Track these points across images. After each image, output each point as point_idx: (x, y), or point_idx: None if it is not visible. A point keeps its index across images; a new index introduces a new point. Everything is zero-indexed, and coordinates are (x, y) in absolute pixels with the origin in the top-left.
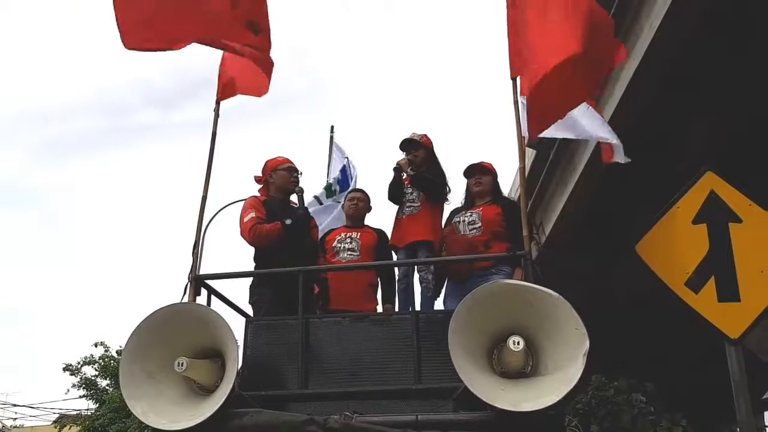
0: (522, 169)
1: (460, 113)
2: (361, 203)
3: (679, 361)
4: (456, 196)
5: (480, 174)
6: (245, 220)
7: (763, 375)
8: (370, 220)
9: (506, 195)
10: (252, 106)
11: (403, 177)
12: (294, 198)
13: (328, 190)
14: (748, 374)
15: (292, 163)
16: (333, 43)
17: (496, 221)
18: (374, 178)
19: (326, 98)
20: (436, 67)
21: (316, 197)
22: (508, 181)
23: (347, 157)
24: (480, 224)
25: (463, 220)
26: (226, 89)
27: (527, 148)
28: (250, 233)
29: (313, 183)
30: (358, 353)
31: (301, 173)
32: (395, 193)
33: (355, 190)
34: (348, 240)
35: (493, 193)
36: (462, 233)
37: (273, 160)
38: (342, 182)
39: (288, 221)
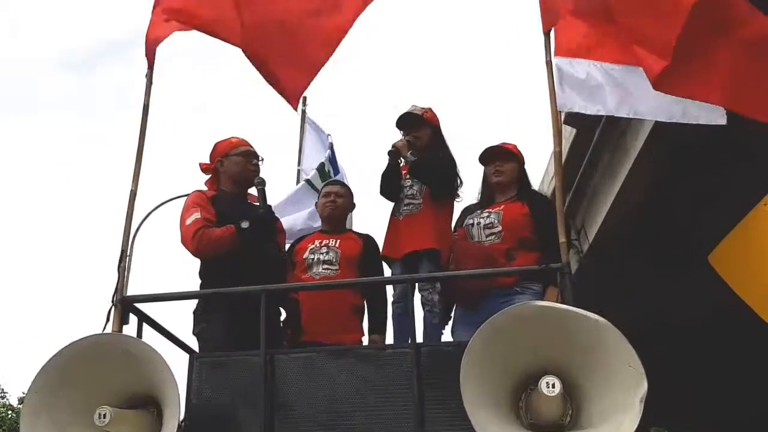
0: (558, 154)
1: (474, 82)
2: (341, 200)
3: (761, 404)
4: (469, 191)
5: (501, 160)
6: (187, 222)
7: None
8: (353, 222)
9: (536, 189)
10: (203, 70)
11: (401, 164)
12: (254, 192)
13: (322, 171)
14: None
15: (250, 145)
16: None
17: (521, 223)
18: (360, 167)
19: None
20: (441, 22)
21: (308, 181)
22: (538, 172)
23: (329, 135)
24: (500, 228)
25: (478, 223)
26: (162, 27)
27: (564, 127)
28: (194, 240)
29: (282, 171)
30: (338, 398)
31: (263, 159)
32: (390, 185)
33: (332, 182)
34: (324, 250)
35: (518, 185)
36: (476, 240)
37: (225, 141)
38: (333, 163)
39: (245, 224)
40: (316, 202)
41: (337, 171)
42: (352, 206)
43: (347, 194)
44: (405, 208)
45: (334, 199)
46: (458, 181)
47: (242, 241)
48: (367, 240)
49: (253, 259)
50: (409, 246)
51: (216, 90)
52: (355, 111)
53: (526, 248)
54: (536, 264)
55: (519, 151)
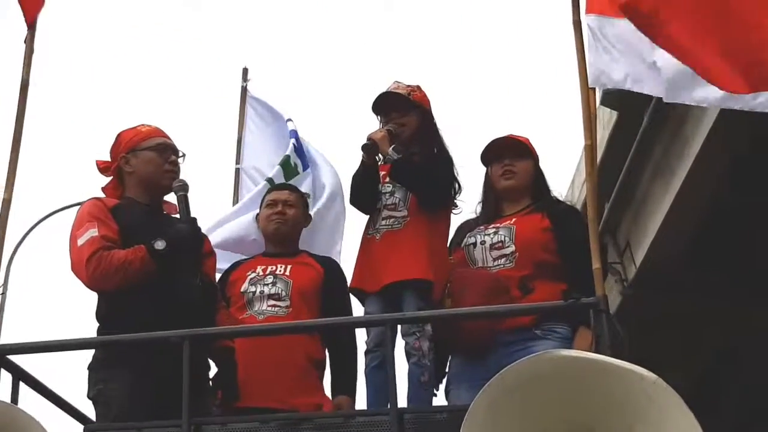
0: (590, 148)
1: (474, 50)
2: (291, 210)
3: None
4: (469, 199)
5: (511, 156)
6: (80, 242)
7: None
8: (341, 247)
9: (559, 196)
10: (101, 31)
11: (379, 163)
12: (171, 200)
13: (287, 167)
14: None
15: (166, 136)
16: None
17: (541, 242)
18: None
19: (235, 28)
20: None
21: (270, 181)
22: (564, 174)
23: (290, 119)
24: (513, 248)
25: (482, 242)
26: None
27: (600, 110)
28: (89, 266)
29: (214, 169)
30: None
31: (184, 155)
32: (363, 192)
33: (279, 187)
34: (269, 279)
35: (534, 190)
36: (480, 264)
37: (131, 131)
38: (300, 154)
39: (160, 243)
40: (257, 215)
41: (306, 165)
42: (308, 219)
43: (300, 202)
44: (384, 223)
45: (282, 209)
46: (456, 185)
47: (156, 268)
48: (329, 266)
49: (172, 292)
50: (389, 275)
51: (126, 43)
52: (326, 90)
53: (547, 276)
54: (561, 298)
55: (532, 145)
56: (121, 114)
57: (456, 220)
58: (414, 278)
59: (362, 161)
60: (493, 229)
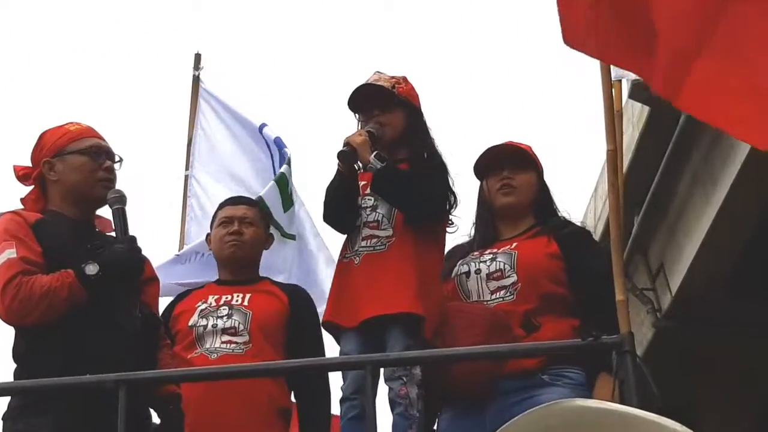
0: (613, 154)
1: (475, 49)
2: (250, 229)
3: None
4: (467, 215)
5: (511, 167)
6: None
7: None
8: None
9: (566, 215)
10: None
11: (358, 172)
12: (106, 214)
13: (282, 184)
14: None
15: (99, 137)
16: None
17: (547, 271)
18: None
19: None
20: None
21: (260, 200)
22: (582, 189)
23: (266, 125)
24: (515, 277)
25: (478, 270)
26: None
27: (629, 106)
28: (5, 295)
29: (160, 175)
30: None
31: (121, 160)
32: (338, 207)
33: (234, 200)
34: (224, 311)
35: (537, 209)
36: (475, 297)
37: (57, 130)
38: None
39: (91, 267)
40: (207, 235)
41: (282, 159)
42: (269, 239)
43: (259, 219)
44: (364, 244)
45: (238, 228)
46: (452, 198)
47: (87, 297)
48: (296, 295)
49: (106, 327)
50: (369, 308)
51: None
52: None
53: (555, 311)
54: (572, 336)
55: (535, 154)
56: (50, 110)
57: (451, 241)
58: (400, 312)
59: (338, 170)
60: (490, 256)
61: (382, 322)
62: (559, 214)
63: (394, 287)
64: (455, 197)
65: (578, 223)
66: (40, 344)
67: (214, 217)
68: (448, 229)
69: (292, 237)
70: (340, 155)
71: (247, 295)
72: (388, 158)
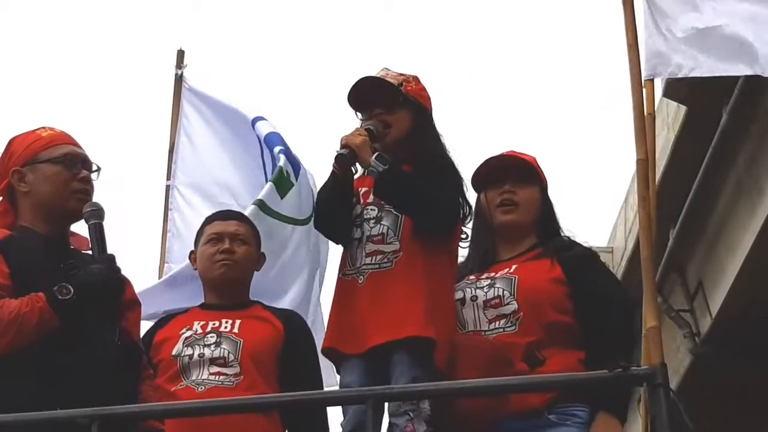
0: (644, 164)
1: (477, 49)
2: (242, 248)
3: None
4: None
5: (512, 180)
6: None
7: None
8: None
9: (570, 235)
10: None
11: (355, 175)
12: (82, 230)
13: (280, 181)
14: None
15: (75, 144)
16: None
17: (551, 297)
18: None
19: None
20: None
21: (259, 204)
22: (611, 196)
23: (263, 119)
24: (515, 305)
25: (474, 297)
26: None
27: (663, 105)
28: None
29: (141, 185)
30: None
31: (99, 169)
32: (332, 212)
33: (223, 215)
34: (211, 338)
35: (540, 227)
36: (471, 327)
37: (28, 136)
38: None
39: (65, 290)
40: (191, 253)
41: (297, 171)
42: (261, 259)
43: (252, 237)
44: (368, 261)
45: (230, 246)
46: (465, 207)
47: (60, 323)
48: (292, 321)
49: (80, 356)
50: (376, 333)
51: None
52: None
53: (561, 342)
54: (580, 369)
55: (539, 165)
56: (21, 113)
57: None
58: (409, 336)
59: (332, 173)
60: (488, 281)
61: (389, 349)
62: (563, 234)
63: (403, 309)
64: (468, 206)
65: (583, 244)
66: (6, 375)
67: (200, 232)
68: (461, 242)
69: (308, 220)
70: (338, 159)
71: (237, 321)
72: (391, 159)
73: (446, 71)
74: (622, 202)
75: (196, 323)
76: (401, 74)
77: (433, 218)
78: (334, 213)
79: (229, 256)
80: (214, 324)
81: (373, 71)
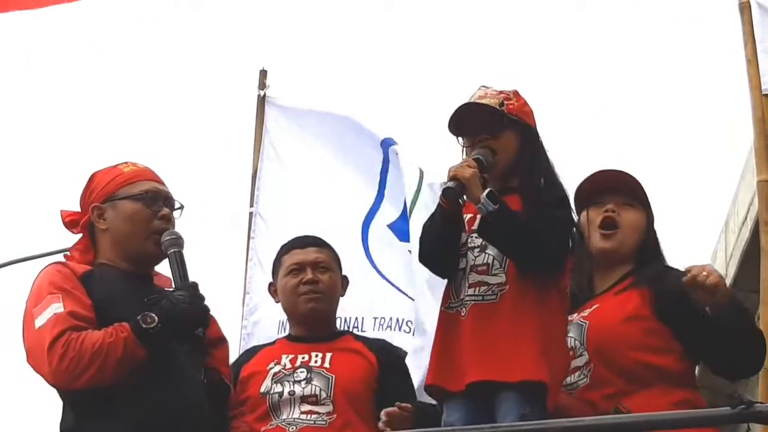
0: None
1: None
2: (326, 275)
3: None
4: None
5: (616, 198)
6: (39, 322)
7: None
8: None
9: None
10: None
11: (463, 208)
12: (163, 267)
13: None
14: None
15: (158, 180)
16: None
17: (627, 338)
18: None
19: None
20: None
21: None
22: (710, 221)
23: (391, 143)
24: (586, 357)
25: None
26: None
27: None
28: (52, 354)
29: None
30: None
31: (182, 207)
32: (440, 248)
33: (302, 242)
34: (301, 374)
35: (640, 254)
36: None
37: (109, 171)
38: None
39: (149, 319)
40: (271, 285)
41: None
42: (345, 283)
43: (334, 261)
44: (471, 292)
45: (313, 276)
46: (572, 235)
47: (146, 354)
48: (385, 353)
49: (167, 393)
50: (479, 369)
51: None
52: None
53: (649, 384)
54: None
55: (640, 183)
56: (103, 142)
57: None
58: (518, 380)
59: (439, 205)
60: (579, 324)
61: (494, 390)
62: (664, 261)
63: (510, 348)
64: (578, 233)
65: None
66: (91, 414)
67: (278, 262)
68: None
69: None
70: (446, 192)
71: (328, 355)
72: (501, 198)
73: (445, 70)
74: (722, 226)
75: (284, 357)
76: (501, 92)
77: (538, 264)
78: (441, 248)
79: (314, 287)
80: (303, 358)
81: (471, 91)
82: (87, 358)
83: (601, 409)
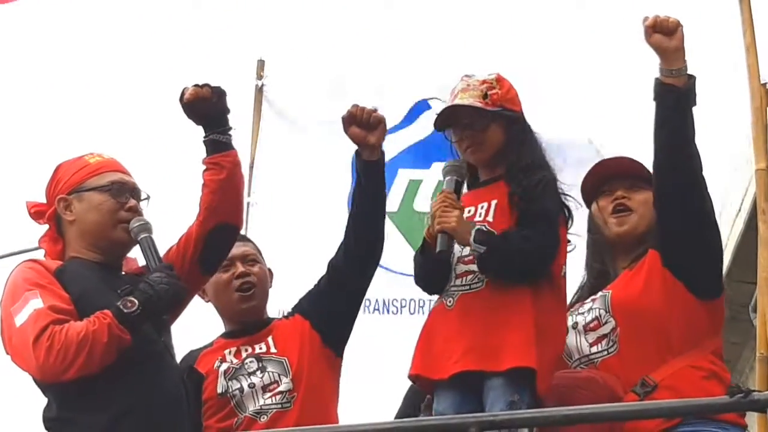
0: (765, 173)
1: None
2: (256, 267)
3: None
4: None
5: (626, 185)
6: (19, 320)
7: None
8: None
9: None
10: None
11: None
12: (134, 254)
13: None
14: None
15: (124, 171)
16: None
17: (649, 306)
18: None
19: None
20: None
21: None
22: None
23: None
24: (613, 322)
25: (575, 324)
26: None
27: None
28: (38, 349)
29: None
30: None
31: (148, 198)
32: (433, 277)
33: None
34: (251, 365)
35: (645, 238)
36: (576, 356)
37: (75, 162)
38: None
39: (130, 303)
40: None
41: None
42: (271, 274)
43: (257, 251)
44: (458, 282)
45: (244, 269)
46: (569, 217)
47: (131, 339)
48: (304, 303)
49: (149, 382)
50: (465, 358)
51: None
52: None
53: (673, 348)
54: (701, 383)
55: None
56: (74, 132)
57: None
58: (506, 368)
59: (429, 247)
60: (590, 303)
61: (480, 380)
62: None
63: (497, 336)
64: (568, 212)
65: None
66: (75, 405)
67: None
68: (569, 249)
69: None
70: (441, 254)
71: (269, 339)
72: (488, 231)
73: (445, 70)
74: (732, 218)
75: (227, 353)
76: (484, 81)
77: (535, 275)
78: (438, 277)
79: (247, 279)
80: (246, 350)
81: (454, 77)
82: (74, 349)
83: (625, 382)
